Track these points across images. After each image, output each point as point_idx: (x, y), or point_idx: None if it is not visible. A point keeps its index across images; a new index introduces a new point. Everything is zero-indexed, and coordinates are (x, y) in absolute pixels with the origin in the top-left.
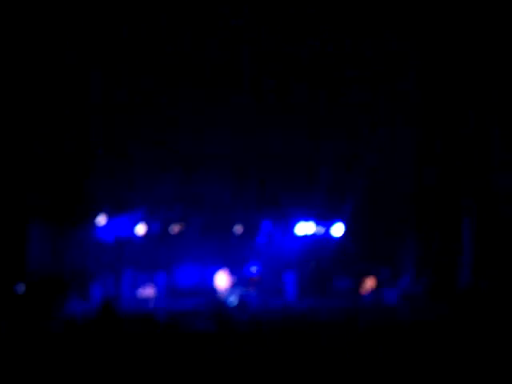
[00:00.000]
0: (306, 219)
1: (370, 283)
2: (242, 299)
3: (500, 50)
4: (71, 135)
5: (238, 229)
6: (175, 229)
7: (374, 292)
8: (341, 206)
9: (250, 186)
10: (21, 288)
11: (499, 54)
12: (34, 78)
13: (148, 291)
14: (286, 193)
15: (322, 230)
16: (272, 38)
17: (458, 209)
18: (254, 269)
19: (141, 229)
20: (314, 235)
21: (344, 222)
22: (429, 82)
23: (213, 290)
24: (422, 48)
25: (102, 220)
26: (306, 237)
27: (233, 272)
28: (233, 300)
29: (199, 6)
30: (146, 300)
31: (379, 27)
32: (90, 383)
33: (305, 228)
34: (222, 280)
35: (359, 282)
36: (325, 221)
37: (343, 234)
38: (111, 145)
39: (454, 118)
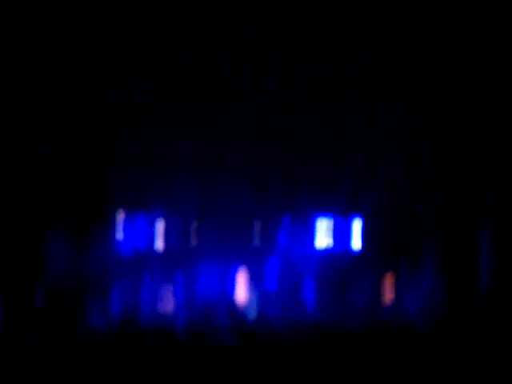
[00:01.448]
0: (327, 216)
1: (389, 293)
2: (261, 311)
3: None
4: (87, 136)
5: (259, 226)
6: (195, 226)
7: (393, 300)
8: (361, 203)
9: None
10: (39, 299)
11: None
12: (40, 74)
13: (167, 302)
14: (306, 189)
15: (342, 228)
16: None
17: (478, 214)
18: (273, 279)
19: (160, 242)
20: (331, 247)
21: (364, 220)
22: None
23: (233, 302)
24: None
25: (121, 220)
26: (324, 248)
27: (252, 283)
28: (253, 312)
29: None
30: (164, 312)
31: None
32: None
33: (322, 240)
34: (242, 291)
35: (379, 292)
36: (346, 219)
37: (361, 240)
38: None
39: (478, 124)
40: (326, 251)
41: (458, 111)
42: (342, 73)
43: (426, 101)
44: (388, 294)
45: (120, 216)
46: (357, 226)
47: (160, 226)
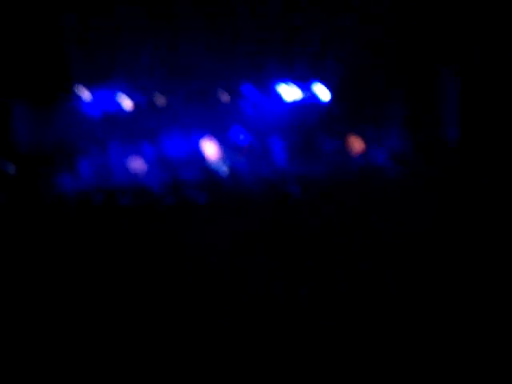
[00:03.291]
0: (289, 82)
1: (357, 144)
2: (231, 167)
3: None
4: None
5: (223, 96)
6: (160, 99)
7: (362, 153)
8: (324, 67)
9: (234, 50)
10: (9, 167)
11: None
12: None
13: (137, 163)
14: (268, 55)
15: (306, 93)
16: None
17: (441, 65)
18: (241, 136)
19: (126, 101)
20: (298, 99)
21: (328, 84)
22: None
23: (202, 160)
24: None
25: (86, 93)
26: (290, 101)
27: (220, 141)
28: (223, 168)
29: None
30: (135, 172)
31: None
32: (89, 257)
33: (289, 91)
34: (211, 149)
35: (347, 143)
36: (308, 83)
37: (328, 97)
38: (89, 12)
39: None
40: (293, 106)
41: None
42: None
43: None
44: (356, 146)
45: (84, 91)
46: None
47: (126, 101)
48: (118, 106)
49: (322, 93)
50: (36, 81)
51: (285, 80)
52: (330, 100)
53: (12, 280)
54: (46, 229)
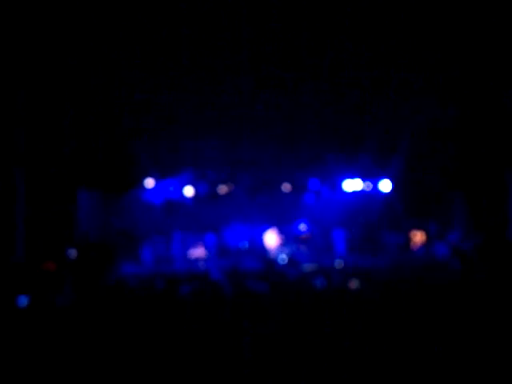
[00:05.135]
0: (353, 176)
1: (419, 238)
2: (292, 257)
3: None
4: (115, 99)
5: (286, 187)
6: (223, 189)
7: (424, 247)
8: (388, 162)
9: (297, 144)
10: (72, 253)
11: None
12: None
13: (198, 252)
14: (332, 150)
15: (369, 186)
16: None
17: (507, 166)
18: (303, 226)
19: (189, 191)
20: (361, 192)
21: (391, 179)
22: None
23: (263, 249)
24: None
25: (150, 183)
26: (353, 193)
27: (282, 231)
28: (283, 258)
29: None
30: (196, 261)
31: None
32: (147, 338)
33: (352, 184)
34: (272, 239)
35: (409, 237)
36: (372, 178)
37: (391, 190)
38: (156, 107)
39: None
40: (357, 199)
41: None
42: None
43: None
44: (418, 240)
45: (150, 182)
46: (384, 186)
47: (189, 191)
48: (181, 195)
49: (386, 187)
50: (103, 170)
51: (349, 174)
52: (394, 194)
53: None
54: (110, 315)
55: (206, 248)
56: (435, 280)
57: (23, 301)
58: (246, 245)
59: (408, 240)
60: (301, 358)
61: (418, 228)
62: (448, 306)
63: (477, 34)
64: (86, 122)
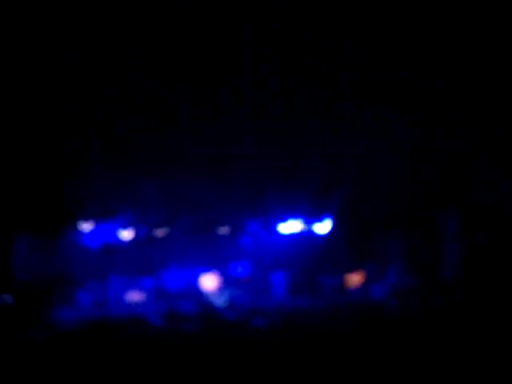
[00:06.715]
0: (292, 217)
1: (356, 279)
2: (229, 300)
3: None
4: (51, 141)
5: (224, 230)
6: (160, 233)
7: (360, 288)
8: (326, 204)
9: (235, 186)
10: (7, 298)
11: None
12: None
13: (135, 296)
14: (271, 190)
15: (306, 227)
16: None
17: (442, 208)
18: (240, 269)
19: (126, 234)
20: (299, 233)
21: (329, 219)
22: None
23: (200, 292)
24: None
25: (86, 226)
26: (291, 235)
27: (220, 273)
28: (220, 301)
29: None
30: (133, 304)
31: None
32: None
33: (289, 226)
34: (209, 282)
35: (345, 279)
36: (310, 219)
37: (328, 232)
38: (93, 148)
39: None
40: (293, 240)
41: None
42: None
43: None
44: (355, 281)
45: (86, 225)
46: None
47: (126, 234)
48: (118, 238)
49: (322, 228)
50: (37, 212)
51: (285, 215)
52: (330, 235)
53: None
54: (44, 360)
55: (143, 291)
56: (371, 318)
57: None
58: (183, 288)
59: (344, 281)
60: None
61: (356, 269)
62: (386, 340)
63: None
64: (16, 161)
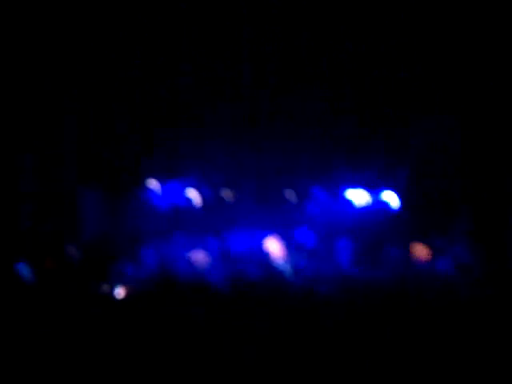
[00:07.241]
0: (360, 187)
1: (423, 252)
2: (294, 266)
3: None
4: (117, 106)
5: (291, 196)
6: (227, 194)
7: (427, 261)
8: (394, 174)
9: (301, 152)
10: (75, 251)
11: None
12: None
13: (200, 256)
14: (337, 160)
15: (375, 198)
16: None
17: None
18: (306, 236)
19: (193, 194)
20: (366, 203)
21: (396, 191)
22: None
23: (265, 257)
24: None
25: (154, 185)
26: (358, 205)
27: (285, 239)
28: (285, 267)
29: None
30: (198, 265)
31: None
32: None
33: (357, 196)
34: (274, 247)
35: (412, 251)
36: (379, 189)
37: (396, 203)
38: (159, 112)
39: None
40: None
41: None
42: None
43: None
44: (421, 254)
45: (153, 183)
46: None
47: (193, 194)
48: (185, 198)
49: (391, 200)
50: (106, 170)
51: (354, 184)
52: (399, 207)
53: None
54: (110, 317)
55: (208, 252)
56: (437, 293)
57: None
58: (248, 251)
59: (411, 254)
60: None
61: (423, 242)
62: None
63: None
64: (87, 123)
